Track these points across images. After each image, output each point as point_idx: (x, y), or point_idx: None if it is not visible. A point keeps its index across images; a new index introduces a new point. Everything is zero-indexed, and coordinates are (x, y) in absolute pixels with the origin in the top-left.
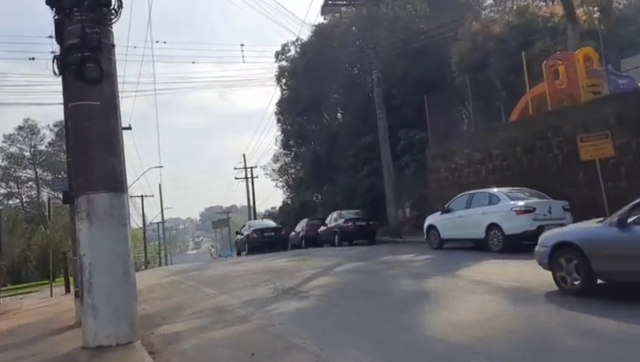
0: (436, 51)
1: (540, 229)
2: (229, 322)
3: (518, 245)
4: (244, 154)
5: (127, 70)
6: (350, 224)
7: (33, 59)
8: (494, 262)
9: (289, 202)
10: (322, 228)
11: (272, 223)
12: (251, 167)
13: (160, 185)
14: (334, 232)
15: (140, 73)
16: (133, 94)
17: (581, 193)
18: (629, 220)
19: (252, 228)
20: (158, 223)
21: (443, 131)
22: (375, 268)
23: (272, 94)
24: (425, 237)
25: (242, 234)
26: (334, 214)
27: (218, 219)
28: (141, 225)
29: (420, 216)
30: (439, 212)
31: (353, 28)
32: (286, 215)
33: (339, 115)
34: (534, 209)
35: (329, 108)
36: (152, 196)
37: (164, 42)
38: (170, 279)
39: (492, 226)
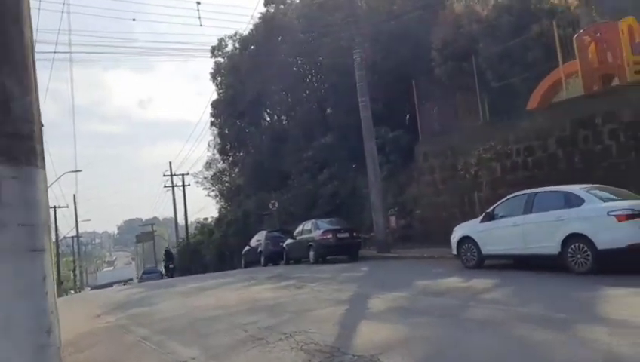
0: (412, 38)
1: None
2: None
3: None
4: (170, 162)
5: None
6: (330, 236)
7: None
8: (625, 292)
9: (224, 212)
10: (289, 241)
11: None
12: (182, 174)
13: (75, 195)
14: (309, 246)
15: (57, 30)
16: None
17: None
18: None
19: None
20: (72, 237)
21: (431, 126)
22: (433, 303)
23: (205, 100)
24: (454, 252)
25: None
26: (307, 224)
27: (142, 233)
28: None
29: (407, 225)
30: (478, 219)
31: (299, 20)
32: (226, 227)
33: (285, 115)
34: None
35: (273, 109)
36: (67, 207)
37: None
38: (108, 322)
39: (573, 237)
